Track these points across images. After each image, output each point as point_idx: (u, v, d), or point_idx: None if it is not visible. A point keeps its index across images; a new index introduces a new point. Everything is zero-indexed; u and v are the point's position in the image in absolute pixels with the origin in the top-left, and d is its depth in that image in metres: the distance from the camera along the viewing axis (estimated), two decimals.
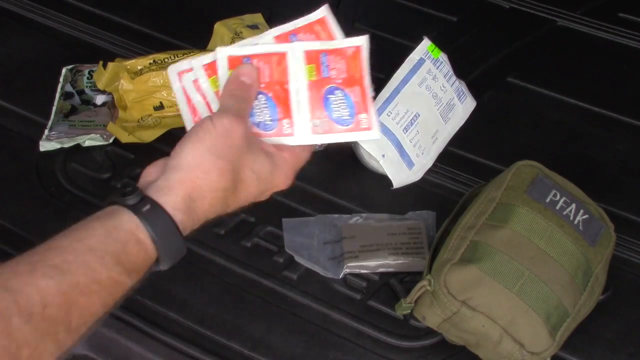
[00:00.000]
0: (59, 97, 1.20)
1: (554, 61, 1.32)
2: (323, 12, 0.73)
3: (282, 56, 0.70)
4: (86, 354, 0.95)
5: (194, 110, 0.74)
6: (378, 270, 0.99)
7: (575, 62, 1.33)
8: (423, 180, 1.11)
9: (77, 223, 0.59)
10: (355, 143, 1.09)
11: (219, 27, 1.24)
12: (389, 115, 1.08)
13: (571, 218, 0.91)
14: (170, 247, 0.60)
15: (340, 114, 0.70)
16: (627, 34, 1.36)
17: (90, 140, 1.13)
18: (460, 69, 1.18)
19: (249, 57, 0.70)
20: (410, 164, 1.09)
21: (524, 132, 1.20)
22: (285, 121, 0.70)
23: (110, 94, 1.17)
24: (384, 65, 1.23)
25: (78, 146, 1.13)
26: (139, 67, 1.15)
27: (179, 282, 0.98)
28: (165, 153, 1.13)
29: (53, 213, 1.06)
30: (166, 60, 1.15)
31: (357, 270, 0.98)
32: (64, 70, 1.23)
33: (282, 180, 0.70)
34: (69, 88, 1.21)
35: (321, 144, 1.12)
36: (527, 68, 1.30)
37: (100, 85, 1.16)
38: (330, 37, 0.73)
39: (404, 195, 1.09)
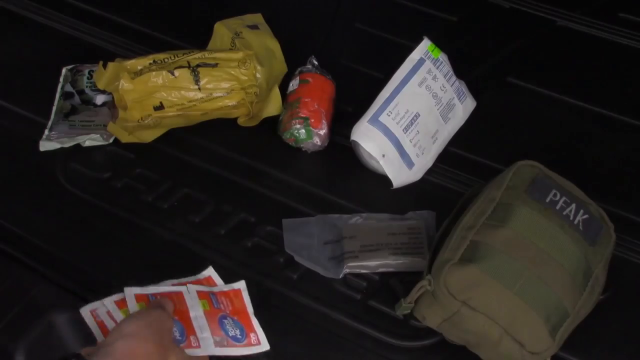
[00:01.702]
0: (59, 97, 1.20)
1: (554, 61, 1.32)
2: (209, 272, 0.93)
3: (180, 294, 0.88)
4: None
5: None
6: (378, 270, 0.99)
7: (575, 62, 1.33)
8: (423, 180, 1.11)
9: None
10: (355, 143, 1.09)
11: (219, 27, 1.25)
12: (389, 115, 1.08)
13: (571, 218, 0.91)
14: None
15: (234, 333, 0.88)
16: (627, 34, 1.36)
17: (90, 140, 1.13)
18: (460, 69, 1.18)
19: (153, 295, 0.87)
20: (410, 164, 1.09)
21: (524, 132, 1.20)
22: (192, 337, 0.85)
23: (110, 94, 1.17)
24: (384, 65, 1.23)
25: (78, 146, 1.13)
26: (139, 67, 1.15)
27: None
28: (166, 153, 1.14)
29: (53, 213, 1.06)
30: (166, 60, 1.15)
31: (357, 270, 0.98)
32: (64, 70, 1.23)
33: None
34: (69, 88, 1.21)
35: (321, 144, 1.12)
36: (527, 68, 1.30)
37: (100, 85, 1.16)
38: (224, 290, 0.92)
39: (404, 195, 1.09)
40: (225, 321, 0.88)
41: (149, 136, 1.14)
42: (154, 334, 0.73)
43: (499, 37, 1.36)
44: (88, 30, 1.34)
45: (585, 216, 0.92)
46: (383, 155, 1.07)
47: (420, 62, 1.12)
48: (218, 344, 0.87)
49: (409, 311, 0.91)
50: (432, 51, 1.13)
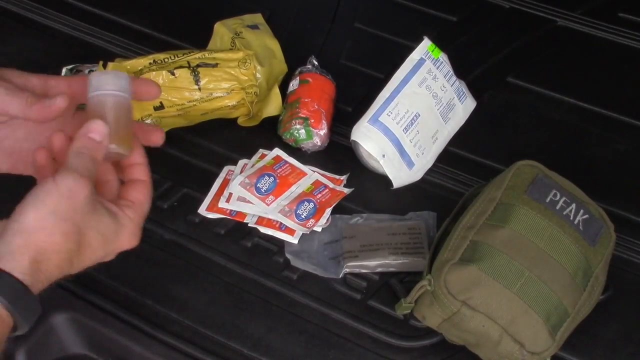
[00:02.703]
0: None
1: (554, 61, 1.32)
2: (345, 177, 1.09)
3: (301, 173, 1.08)
4: (86, 354, 0.95)
5: None
6: (378, 270, 0.99)
7: (575, 62, 1.33)
8: (423, 180, 1.11)
9: None
10: (355, 143, 1.09)
11: (219, 27, 1.24)
12: (389, 115, 1.08)
13: (571, 218, 0.91)
14: (26, 311, 0.60)
15: (301, 212, 1.02)
16: (627, 34, 1.36)
17: None
18: (460, 69, 1.18)
19: (285, 161, 1.08)
20: (410, 164, 1.09)
21: (524, 132, 1.20)
22: (271, 197, 1.04)
23: None
24: (384, 65, 1.23)
25: None
26: (139, 67, 1.15)
27: (179, 282, 0.98)
28: (165, 153, 1.14)
29: None
30: (166, 60, 1.15)
31: (357, 270, 0.98)
32: (64, 70, 1.23)
33: (127, 239, 0.69)
34: None
35: (321, 144, 1.12)
36: (527, 68, 1.30)
37: None
38: (336, 189, 1.07)
39: (404, 195, 1.09)
40: (306, 203, 1.03)
41: None
42: (63, 220, 0.62)
43: (499, 37, 1.36)
44: (88, 30, 1.34)
45: (585, 216, 0.92)
46: (383, 155, 1.07)
47: (421, 62, 1.11)
48: (283, 212, 1.02)
49: (409, 311, 0.91)
50: (432, 51, 1.13)
